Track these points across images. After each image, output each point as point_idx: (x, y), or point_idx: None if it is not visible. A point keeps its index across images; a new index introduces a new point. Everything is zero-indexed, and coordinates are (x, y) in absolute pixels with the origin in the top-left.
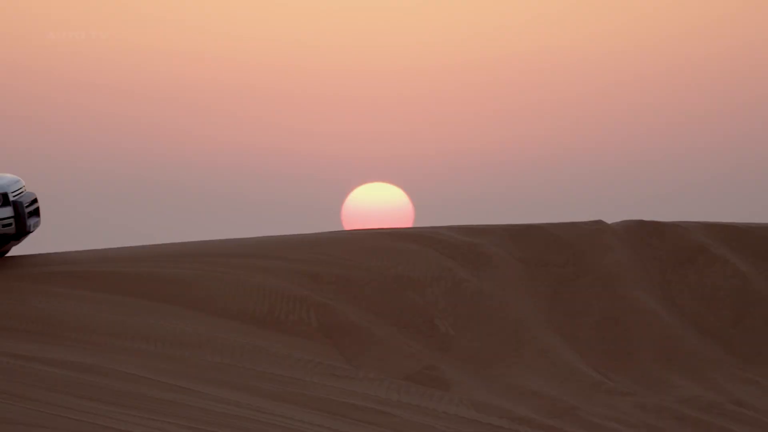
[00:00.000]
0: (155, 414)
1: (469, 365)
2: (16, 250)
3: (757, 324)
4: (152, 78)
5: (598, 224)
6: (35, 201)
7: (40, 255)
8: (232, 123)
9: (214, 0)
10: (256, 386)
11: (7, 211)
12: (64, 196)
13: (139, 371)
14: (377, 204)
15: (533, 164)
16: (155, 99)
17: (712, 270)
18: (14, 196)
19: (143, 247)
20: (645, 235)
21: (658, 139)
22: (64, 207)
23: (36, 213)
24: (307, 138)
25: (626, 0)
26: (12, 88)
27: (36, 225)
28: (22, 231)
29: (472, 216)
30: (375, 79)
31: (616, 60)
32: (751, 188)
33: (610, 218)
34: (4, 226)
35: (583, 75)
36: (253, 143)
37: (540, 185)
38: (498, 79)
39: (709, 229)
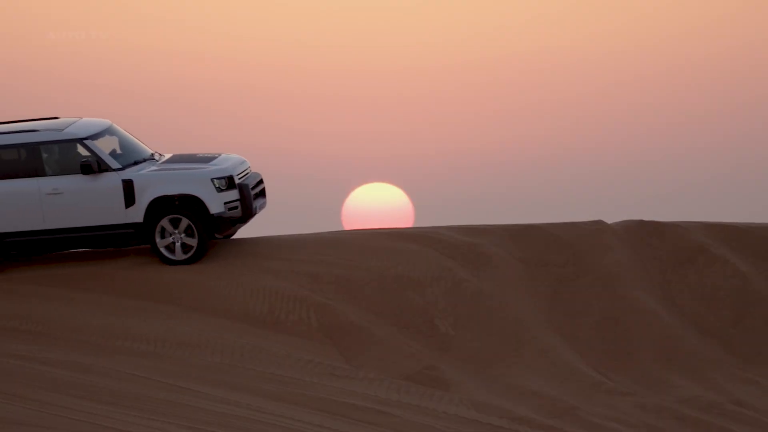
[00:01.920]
0: (155, 414)
1: (469, 365)
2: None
3: (757, 324)
4: (152, 78)
5: (598, 224)
6: (261, 182)
7: (39, 255)
8: (232, 123)
9: (214, 0)
10: (256, 386)
11: (233, 194)
12: None
13: (139, 371)
14: (377, 204)
15: (533, 164)
16: (155, 99)
17: (712, 270)
18: (240, 179)
19: (142, 248)
20: (645, 235)
21: (658, 139)
22: None
23: (262, 194)
24: (307, 138)
25: (626, 0)
26: (12, 88)
27: (262, 206)
28: (247, 214)
29: (472, 216)
30: (375, 79)
31: (616, 60)
32: (751, 188)
33: (610, 218)
34: (230, 209)
35: (583, 75)
36: (253, 143)
37: (540, 185)
38: (498, 79)
39: (709, 229)
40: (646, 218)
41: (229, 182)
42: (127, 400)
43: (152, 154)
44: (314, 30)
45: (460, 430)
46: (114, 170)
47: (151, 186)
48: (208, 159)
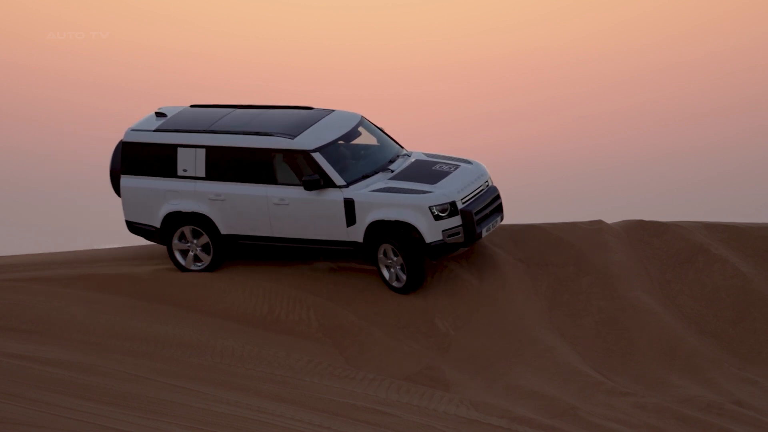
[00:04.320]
0: (155, 414)
1: (469, 365)
2: (14, 250)
3: (757, 324)
4: (152, 78)
5: (598, 224)
6: (497, 198)
7: (40, 255)
8: None
9: (214, 0)
10: (256, 386)
11: (454, 221)
12: (65, 196)
13: (139, 371)
14: None
15: (533, 164)
16: (155, 99)
17: (712, 270)
18: (467, 201)
19: (143, 247)
20: (645, 235)
21: (658, 139)
22: (66, 207)
23: (497, 210)
24: None
25: (626, 0)
26: (12, 88)
27: (494, 226)
28: (471, 239)
29: None
30: (375, 79)
31: (616, 60)
32: (751, 188)
33: (610, 218)
34: (450, 236)
35: (582, 75)
36: None
37: (540, 185)
38: (498, 78)
39: (709, 229)
40: (646, 218)
41: (452, 209)
42: (127, 400)
43: (391, 160)
44: (314, 30)
45: (460, 430)
46: (338, 187)
47: (370, 208)
48: (440, 175)
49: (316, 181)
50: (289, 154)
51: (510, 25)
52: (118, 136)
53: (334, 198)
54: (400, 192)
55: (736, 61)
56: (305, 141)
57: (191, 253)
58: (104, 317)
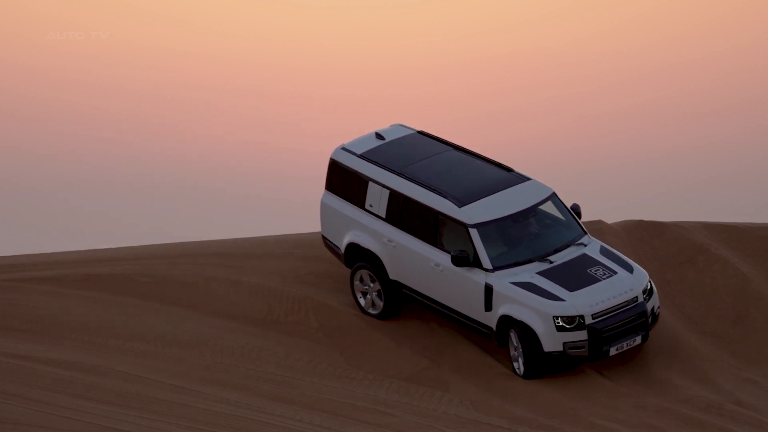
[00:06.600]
0: (155, 414)
1: (469, 365)
2: (15, 250)
3: (757, 324)
4: (152, 78)
5: (598, 224)
6: (641, 315)
7: (40, 255)
8: (232, 123)
9: (214, 0)
10: (256, 386)
11: (579, 335)
12: (64, 196)
13: (139, 371)
14: None
15: (533, 164)
16: (155, 99)
17: (712, 270)
18: (599, 317)
19: (143, 247)
20: (645, 235)
21: (658, 139)
22: (65, 207)
23: (638, 328)
24: (308, 137)
25: (626, 0)
26: (12, 88)
27: (630, 344)
28: (596, 356)
29: None
30: (375, 79)
31: (616, 60)
32: (751, 188)
33: (610, 218)
34: (571, 348)
35: (583, 75)
36: (254, 142)
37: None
38: (498, 79)
39: (709, 229)
40: (646, 218)
41: (579, 322)
42: (127, 400)
43: (558, 248)
44: (314, 30)
45: (460, 430)
46: (484, 270)
47: (504, 300)
48: (588, 280)
49: (465, 258)
50: (453, 221)
51: (510, 25)
52: (117, 136)
53: (477, 279)
54: (534, 292)
55: (736, 61)
56: (470, 212)
57: (368, 297)
58: (104, 317)
